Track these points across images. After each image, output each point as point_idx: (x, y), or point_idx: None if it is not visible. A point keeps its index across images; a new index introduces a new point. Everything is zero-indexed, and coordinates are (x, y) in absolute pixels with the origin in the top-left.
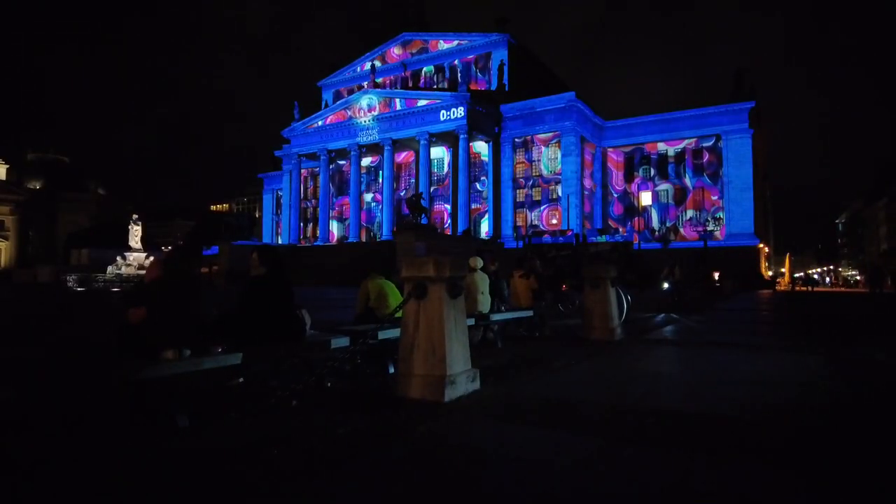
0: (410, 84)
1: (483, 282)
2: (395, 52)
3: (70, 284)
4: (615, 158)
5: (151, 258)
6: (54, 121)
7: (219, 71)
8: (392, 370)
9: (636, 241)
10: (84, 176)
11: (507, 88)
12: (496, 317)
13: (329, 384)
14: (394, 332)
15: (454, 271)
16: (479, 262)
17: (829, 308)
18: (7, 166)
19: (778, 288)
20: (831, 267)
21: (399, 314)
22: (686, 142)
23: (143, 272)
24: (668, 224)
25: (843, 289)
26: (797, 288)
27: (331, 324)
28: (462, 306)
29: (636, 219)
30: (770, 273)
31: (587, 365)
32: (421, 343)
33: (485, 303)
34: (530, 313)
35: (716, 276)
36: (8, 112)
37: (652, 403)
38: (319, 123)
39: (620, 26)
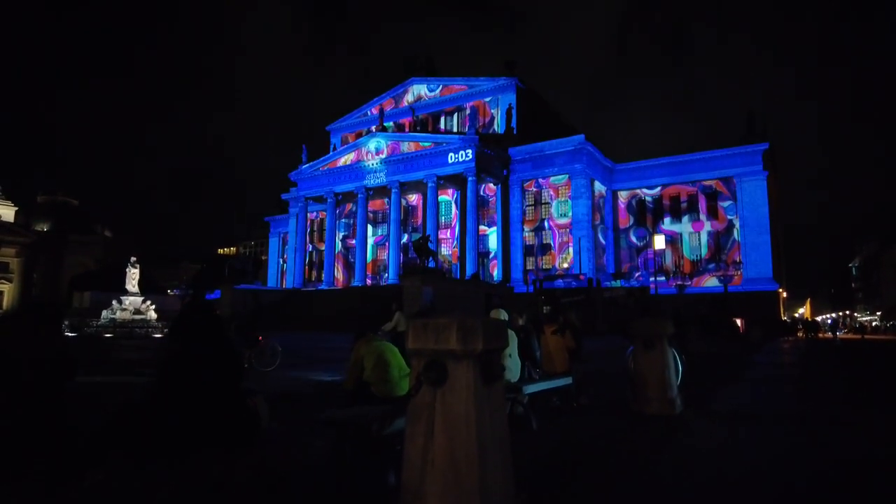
0: (419, 128)
1: (511, 341)
2: (404, 96)
3: (63, 329)
4: (627, 201)
5: (148, 302)
6: (66, 164)
7: (231, 115)
8: (394, 479)
9: (653, 287)
10: (92, 219)
11: (515, 131)
12: (530, 388)
13: None
14: (400, 424)
15: (490, 341)
16: (503, 316)
17: None
18: (16, 208)
19: (799, 335)
20: (846, 312)
21: (403, 383)
22: (699, 184)
23: (139, 317)
24: (682, 269)
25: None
26: (821, 335)
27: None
28: (501, 398)
29: (650, 263)
30: (787, 318)
31: (668, 461)
32: (438, 460)
33: (514, 369)
34: (568, 380)
35: (738, 322)
36: (21, 155)
37: None
38: (327, 166)
39: (628, 70)
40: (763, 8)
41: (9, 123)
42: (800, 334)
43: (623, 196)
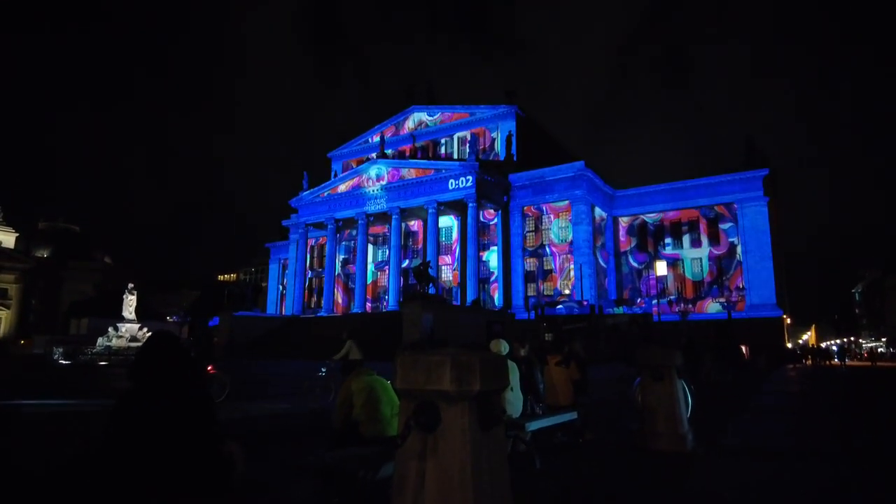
0: (419, 154)
1: (513, 375)
2: (405, 123)
3: (55, 357)
4: (627, 227)
5: (145, 329)
6: (68, 190)
7: (232, 141)
8: None
9: (656, 314)
10: (92, 245)
11: (515, 158)
12: (533, 425)
13: None
14: (391, 469)
15: (488, 381)
16: (504, 347)
17: None
18: (17, 235)
19: (808, 363)
20: (852, 338)
21: (395, 422)
22: (700, 210)
23: (135, 344)
24: (685, 295)
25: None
26: (828, 363)
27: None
28: (502, 445)
29: (652, 289)
30: (791, 345)
31: None
32: None
33: (515, 403)
34: (573, 415)
35: (743, 349)
36: (23, 182)
37: None
38: (327, 193)
39: (628, 96)
40: (762, 32)
41: (11, 149)
42: (808, 361)
43: (624, 222)
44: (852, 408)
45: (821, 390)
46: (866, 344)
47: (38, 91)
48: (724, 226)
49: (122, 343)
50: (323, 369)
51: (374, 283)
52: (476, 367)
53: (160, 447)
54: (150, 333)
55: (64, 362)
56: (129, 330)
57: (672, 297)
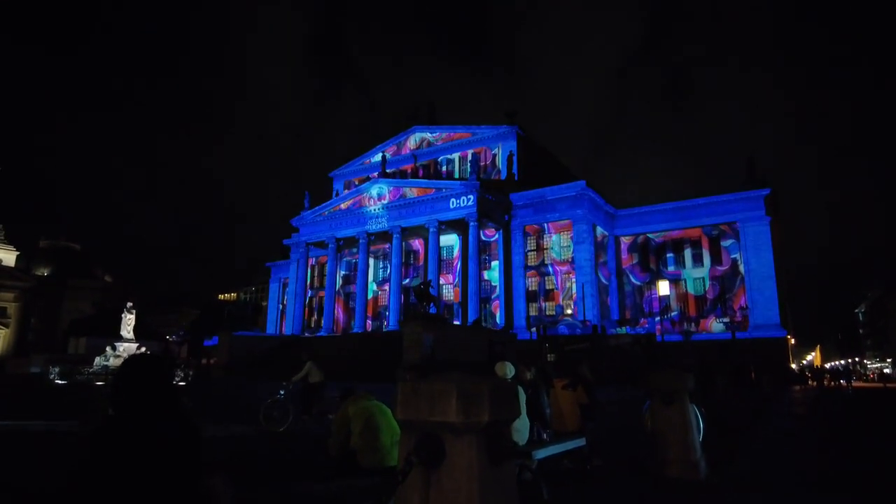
0: (421, 173)
1: (518, 399)
2: (406, 143)
3: (51, 377)
4: (629, 247)
5: (143, 349)
6: (70, 208)
7: (235, 160)
8: None
9: (659, 334)
10: (92, 263)
11: (516, 177)
12: (541, 453)
13: None
14: None
15: (498, 410)
16: (510, 370)
17: None
18: (17, 253)
19: (811, 384)
20: (856, 359)
21: (396, 451)
22: (702, 230)
23: None
24: (688, 315)
25: None
26: (832, 384)
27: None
28: (512, 481)
29: (655, 308)
30: (796, 366)
31: None
32: None
33: (522, 430)
34: (582, 441)
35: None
36: (26, 200)
37: None
38: (329, 212)
39: (629, 116)
40: (763, 52)
41: (14, 168)
42: (813, 383)
43: (626, 241)
44: (870, 434)
45: (833, 415)
46: (871, 365)
47: (38, 108)
48: (726, 245)
49: (120, 363)
50: (281, 391)
51: (375, 300)
52: (485, 396)
53: (135, 484)
54: (129, 356)
55: (60, 382)
56: (126, 349)
57: (675, 317)
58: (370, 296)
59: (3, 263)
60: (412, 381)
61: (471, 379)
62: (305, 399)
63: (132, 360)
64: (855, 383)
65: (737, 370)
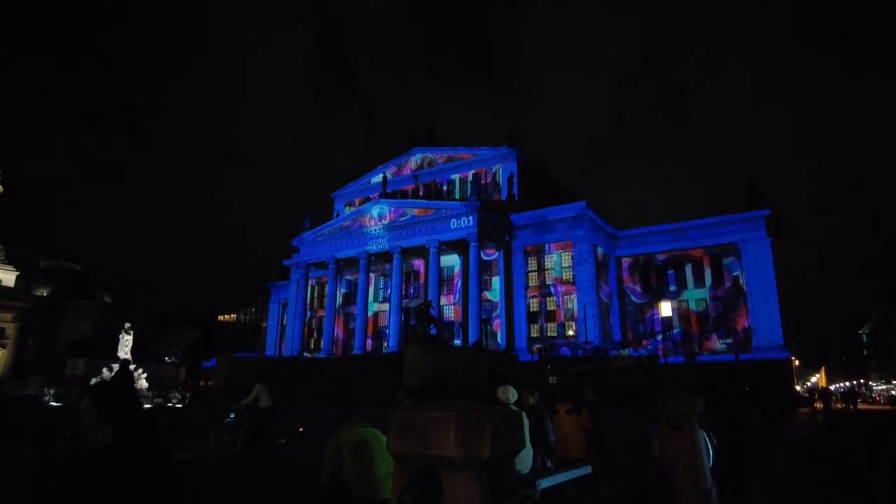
0: (422, 193)
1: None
2: (407, 164)
3: (46, 399)
4: (630, 268)
5: (140, 370)
6: (71, 228)
7: (237, 182)
8: None
9: (661, 355)
10: (93, 283)
11: (517, 198)
12: (545, 482)
13: None
14: None
15: (501, 443)
16: (513, 395)
17: None
18: (17, 273)
19: (817, 406)
20: (862, 380)
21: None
22: (703, 251)
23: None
24: (690, 336)
25: None
26: (839, 406)
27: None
28: None
29: (658, 330)
30: (800, 387)
31: None
32: None
33: (524, 457)
34: (587, 469)
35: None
36: (28, 220)
37: None
38: (329, 232)
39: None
40: (762, 70)
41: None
42: (819, 405)
43: (627, 260)
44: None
45: (844, 439)
46: (877, 387)
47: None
48: (727, 265)
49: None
50: (231, 415)
51: (375, 318)
52: (487, 427)
53: None
54: (91, 386)
55: (55, 404)
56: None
57: (677, 338)
58: (371, 310)
59: (3, 284)
60: (408, 410)
61: (471, 407)
62: (255, 423)
63: (98, 388)
64: (861, 406)
65: (750, 393)
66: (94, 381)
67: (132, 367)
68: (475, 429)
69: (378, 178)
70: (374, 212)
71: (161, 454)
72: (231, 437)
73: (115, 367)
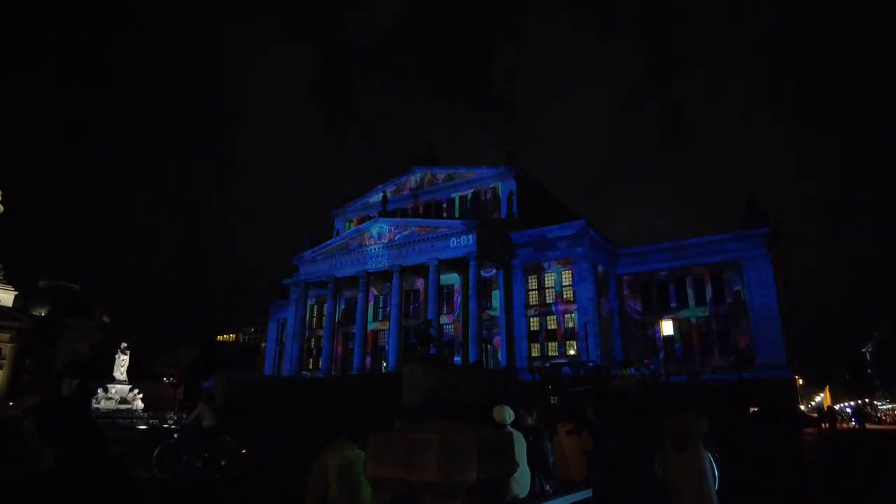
0: (422, 211)
1: (519, 447)
2: (407, 184)
3: None
4: (631, 286)
5: (135, 391)
6: (70, 248)
7: (236, 202)
8: None
9: (664, 374)
10: (91, 303)
11: (516, 216)
12: None
13: None
14: None
15: (489, 466)
16: (509, 415)
17: None
18: (15, 293)
19: (824, 426)
20: (866, 399)
21: None
22: (703, 269)
23: (125, 406)
24: (692, 353)
25: None
26: (845, 426)
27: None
28: None
29: (660, 349)
30: (805, 407)
31: None
32: None
33: (522, 481)
34: (588, 492)
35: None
36: (27, 240)
37: None
38: (329, 251)
39: (626, 156)
40: (762, 86)
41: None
42: (825, 426)
43: (627, 278)
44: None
45: (854, 458)
46: (882, 406)
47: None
48: (728, 281)
49: (112, 405)
50: (175, 435)
51: (375, 336)
52: (472, 450)
53: None
54: (35, 404)
55: None
56: (119, 391)
57: (679, 356)
58: (369, 329)
59: (1, 304)
60: (385, 434)
61: (457, 429)
62: (199, 444)
63: (49, 401)
64: (868, 426)
65: (762, 412)
66: (31, 401)
67: (129, 387)
68: (459, 452)
69: (378, 198)
70: (374, 230)
71: (115, 481)
72: (172, 460)
73: (110, 387)
